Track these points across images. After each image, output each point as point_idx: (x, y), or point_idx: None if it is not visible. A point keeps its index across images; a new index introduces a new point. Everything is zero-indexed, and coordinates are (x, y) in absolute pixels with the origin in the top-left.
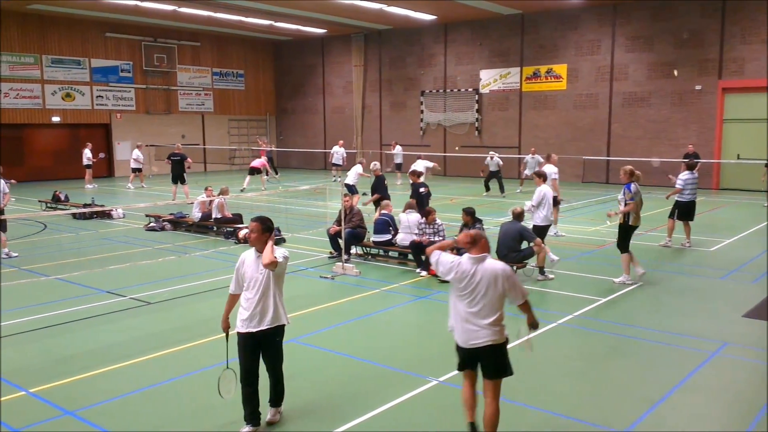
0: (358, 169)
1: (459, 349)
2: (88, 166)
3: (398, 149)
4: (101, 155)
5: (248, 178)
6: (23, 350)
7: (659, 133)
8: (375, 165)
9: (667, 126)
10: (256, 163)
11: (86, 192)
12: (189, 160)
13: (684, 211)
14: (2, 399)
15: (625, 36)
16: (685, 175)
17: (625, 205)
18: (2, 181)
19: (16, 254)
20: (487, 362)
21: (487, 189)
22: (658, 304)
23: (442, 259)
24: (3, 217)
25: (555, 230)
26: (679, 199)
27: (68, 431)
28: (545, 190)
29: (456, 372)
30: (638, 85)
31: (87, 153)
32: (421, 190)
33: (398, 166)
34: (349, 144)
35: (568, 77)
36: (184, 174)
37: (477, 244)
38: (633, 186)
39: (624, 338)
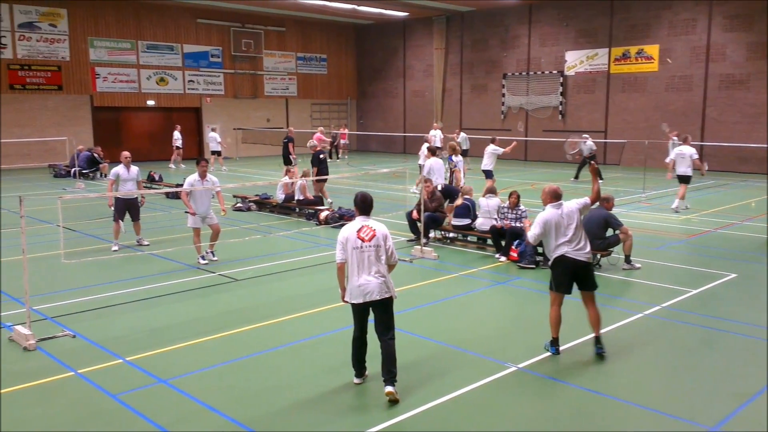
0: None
1: (566, 271)
2: (177, 147)
3: (462, 136)
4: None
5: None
6: (120, 320)
7: (758, 117)
8: (311, 142)
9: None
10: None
11: (170, 171)
12: (291, 145)
13: None
14: (101, 366)
15: (722, 15)
16: None
17: (452, 172)
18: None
19: (147, 242)
20: (585, 276)
21: (576, 177)
22: (753, 297)
23: (533, 231)
24: (120, 193)
25: (685, 205)
26: None
27: (162, 398)
28: (431, 163)
29: (533, 360)
30: (736, 67)
31: (176, 134)
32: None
33: (464, 152)
34: (428, 128)
35: (660, 58)
36: (289, 156)
37: (558, 197)
38: (454, 158)
39: (715, 331)
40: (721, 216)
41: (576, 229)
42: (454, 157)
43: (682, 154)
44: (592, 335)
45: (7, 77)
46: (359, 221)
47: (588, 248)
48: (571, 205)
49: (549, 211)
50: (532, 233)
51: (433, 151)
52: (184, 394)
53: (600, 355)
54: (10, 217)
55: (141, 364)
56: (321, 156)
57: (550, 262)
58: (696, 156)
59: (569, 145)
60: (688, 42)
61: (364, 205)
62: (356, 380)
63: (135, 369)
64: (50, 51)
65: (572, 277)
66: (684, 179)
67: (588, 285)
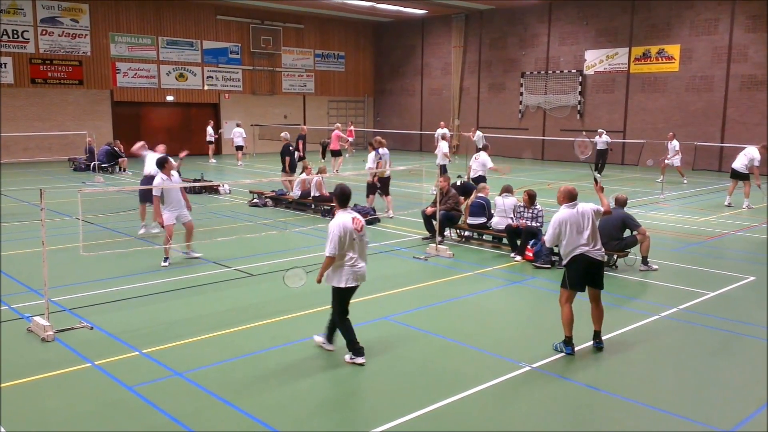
0: (443, 148)
1: (580, 269)
2: (210, 143)
3: (479, 134)
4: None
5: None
6: (137, 313)
7: None
8: (284, 134)
9: None
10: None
11: (209, 166)
12: (300, 142)
13: None
14: (118, 357)
15: (745, 14)
16: None
17: (377, 164)
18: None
19: (156, 230)
20: (597, 275)
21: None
22: None
23: (549, 233)
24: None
25: (728, 201)
26: None
27: (177, 391)
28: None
29: (548, 360)
30: (758, 68)
31: (209, 130)
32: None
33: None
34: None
35: (680, 58)
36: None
37: (573, 197)
38: (381, 150)
39: (733, 335)
40: (740, 218)
41: (592, 231)
42: (380, 150)
43: (746, 153)
44: (593, 329)
45: (29, 71)
46: (347, 213)
47: (602, 248)
48: (587, 206)
49: (564, 211)
50: (548, 236)
51: (373, 145)
52: (199, 387)
53: (598, 348)
54: (30, 209)
55: (157, 357)
56: (291, 148)
57: (564, 262)
58: (758, 163)
59: (579, 148)
60: (710, 42)
61: (344, 197)
62: (361, 359)
63: (151, 361)
64: (72, 46)
65: (586, 274)
66: (735, 175)
67: (597, 283)
